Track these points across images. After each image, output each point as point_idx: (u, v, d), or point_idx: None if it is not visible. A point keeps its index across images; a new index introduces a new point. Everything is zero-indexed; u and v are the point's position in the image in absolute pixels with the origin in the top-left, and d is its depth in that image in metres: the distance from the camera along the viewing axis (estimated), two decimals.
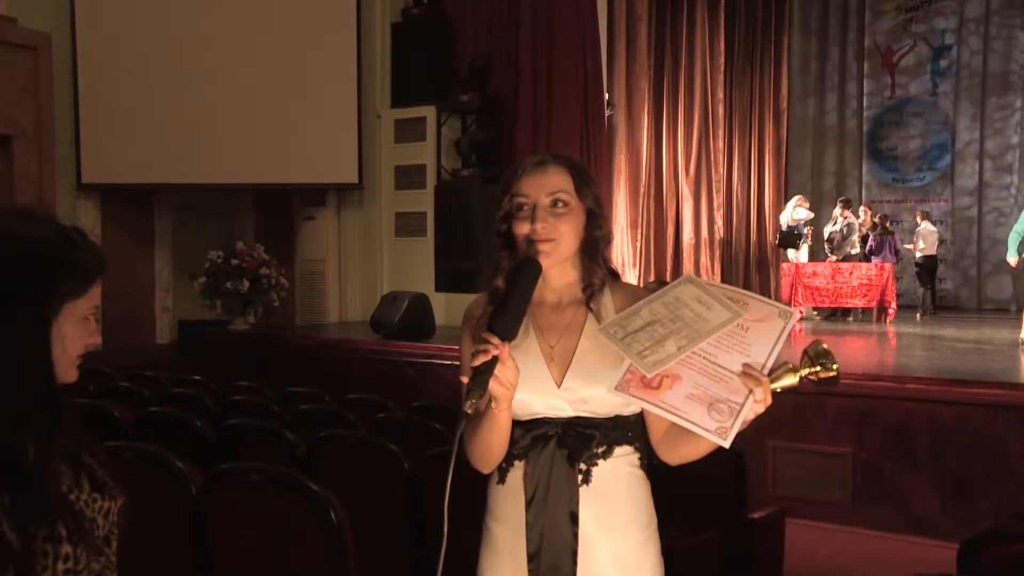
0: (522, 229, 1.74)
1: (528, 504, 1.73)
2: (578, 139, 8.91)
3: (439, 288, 8.67)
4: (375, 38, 9.43)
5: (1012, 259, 8.33)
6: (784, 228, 11.34)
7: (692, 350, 1.57)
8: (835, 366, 1.59)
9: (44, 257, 1.28)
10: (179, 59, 8.62)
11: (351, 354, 7.59)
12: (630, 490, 1.77)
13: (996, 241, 12.91)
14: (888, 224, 11.65)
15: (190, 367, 7.22)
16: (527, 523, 1.73)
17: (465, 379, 1.58)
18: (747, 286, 12.97)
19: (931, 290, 11.78)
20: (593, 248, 1.81)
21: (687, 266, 12.07)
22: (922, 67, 13.76)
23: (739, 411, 1.54)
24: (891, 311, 10.43)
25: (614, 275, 1.86)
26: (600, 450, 1.74)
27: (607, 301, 1.81)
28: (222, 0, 8.78)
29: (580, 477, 1.72)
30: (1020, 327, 7.96)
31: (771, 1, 13.59)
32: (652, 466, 1.81)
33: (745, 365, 1.56)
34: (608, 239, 1.84)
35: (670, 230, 11.99)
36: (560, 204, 1.75)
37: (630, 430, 1.77)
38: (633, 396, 1.58)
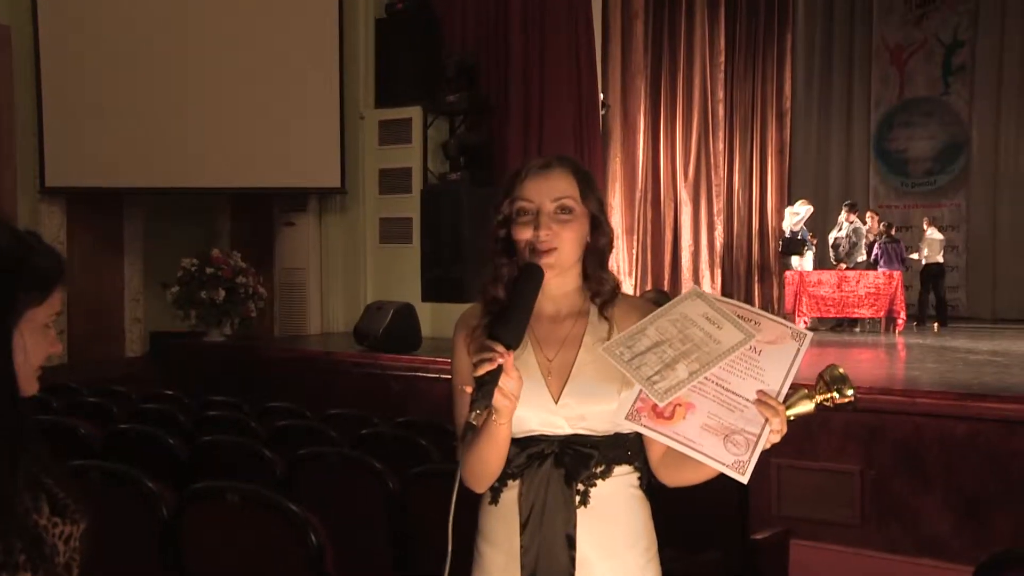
0: (524, 235, 1.74)
1: (523, 526, 1.72)
2: (571, 141, 8.93)
3: (425, 297, 8.66)
4: (358, 35, 9.43)
5: None
6: (787, 234, 11.37)
7: (704, 376, 1.56)
8: (851, 392, 1.59)
9: (1, 265, 1.27)
10: (151, 55, 8.60)
11: (333, 367, 7.57)
12: (630, 512, 1.76)
13: (1012, 248, 12.97)
14: (893, 231, 11.70)
15: (162, 381, 7.18)
16: (521, 547, 1.72)
17: (469, 389, 1.57)
18: (748, 295, 13.02)
19: (938, 298, 11.73)
20: (600, 256, 1.81)
21: (686, 275, 12.09)
22: (933, 66, 13.83)
23: (756, 443, 1.54)
24: (900, 321, 10.46)
25: (618, 284, 1.86)
26: (599, 469, 1.73)
27: (615, 313, 1.80)
28: None
29: (578, 498, 1.72)
30: None
31: None
32: (651, 485, 1.80)
33: (760, 393, 1.56)
34: (612, 246, 1.84)
35: (668, 237, 12.01)
36: (565, 210, 1.75)
37: (629, 448, 1.76)
38: (646, 427, 1.58)
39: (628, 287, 10.97)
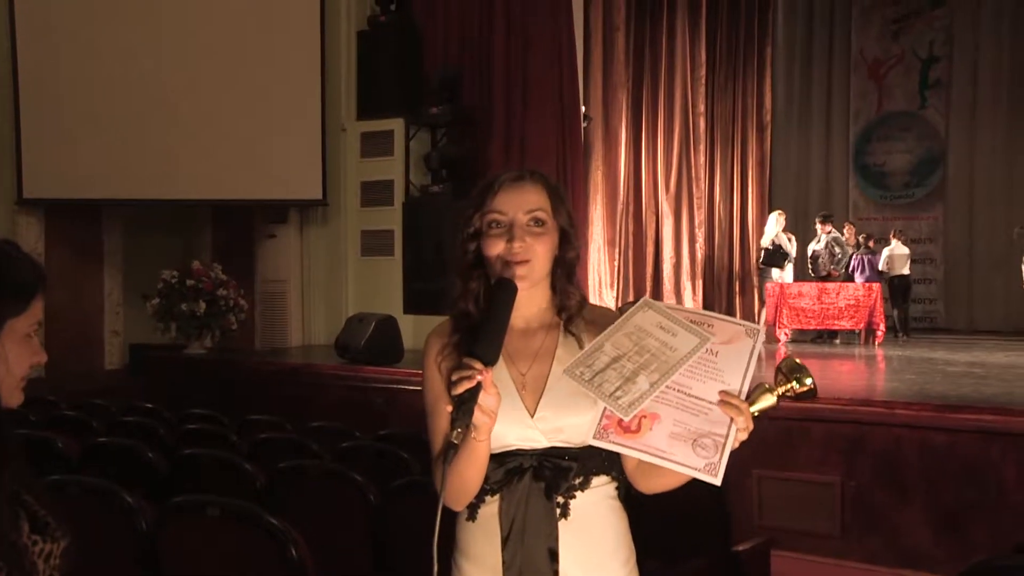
0: (496, 248, 1.74)
1: (504, 542, 1.71)
2: (553, 153, 8.96)
3: (407, 310, 8.64)
4: (340, 47, 9.43)
5: None
6: (770, 246, 11.42)
7: (666, 384, 1.57)
8: (810, 380, 1.63)
9: None
10: (131, 66, 8.56)
11: (314, 380, 7.54)
12: (609, 522, 1.77)
13: (989, 260, 13.10)
14: (871, 243, 11.81)
15: (141, 394, 7.12)
16: (503, 562, 1.71)
17: (449, 408, 1.56)
18: (730, 306, 13.08)
19: (903, 311, 11.90)
20: (568, 270, 1.82)
21: (667, 286, 12.13)
22: (910, 80, 13.99)
23: (724, 444, 1.55)
24: (879, 333, 10.53)
25: (584, 297, 1.86)
26: (577, 481, 1.73)
27: (582, 325, 1.81)
28: (178, 4, 8.74)
29: (558, 511, 1.72)
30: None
31: (754, 11, 13.77)
32: (630, 495, 1.81)
33: (722, 393, 1.58)
34: (580, 260, 1.85)
35: (649, 249, 12.05)
36: (538, 223, 1.75)
37: (607, 458, 1.76)
38: (614, 444, 1.59)
39: (609, 298, 10.99)
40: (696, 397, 1.59)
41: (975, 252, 13.40)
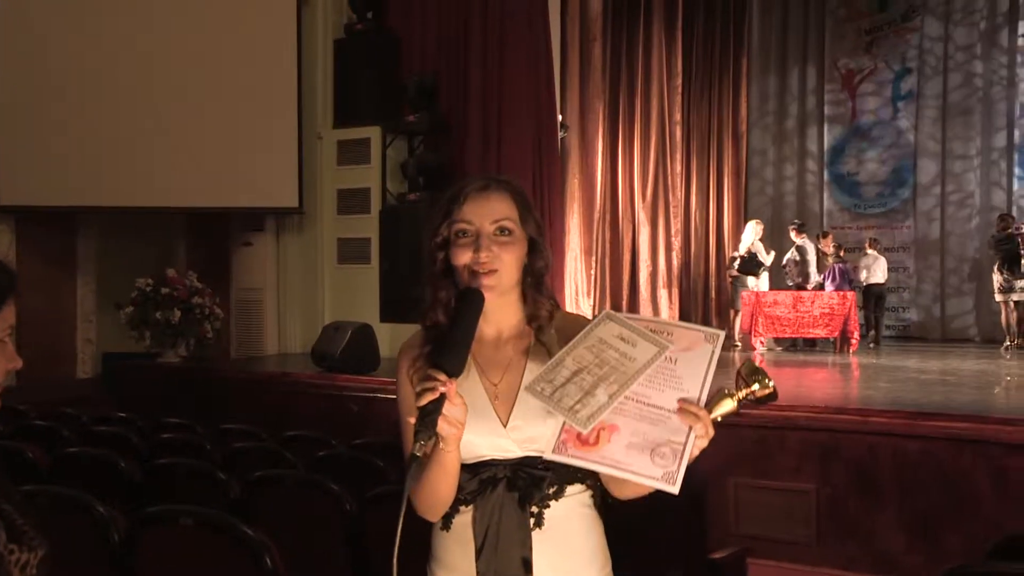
0: (463, 258, 1.73)
1: (478, 552, 1.71)
2: (530, 162, 8.98)
3: (384, 318, 8.62)
4: (316, 55, 9.42)
5: None
6: (746, 254, 11.48)
7: (624, 395, 1.57)
8: (770, 382, 1.62)
9: None
10: (106, 72, 8.50)
11: (290, 388, 7.50)
12: (584, 531, 1.77)
13: (959, 269, 13.26)
14: (842, 252, 11.93)
15: (115, 404, 7.06)
16: (478, 572, 1.71)
17: (412, 420, 1.55)
18: (706, 314, 13.15)
19: (876, 319, 12.06)
20: (537, 279, 1.81)
21: (643, 295, 12.18)
22: (883, 90, 14.15)
23: (682, 451, 1.55)
24: (854, 341, 10.62)
25: (555, 305, 1.86)
26: (551, 490, 1.73)
27: (553, 333, 1.80)
28: (153, 10, 8.69)
29: (532, 521, 1.71)
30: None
31: (729, 21, 13.89)
32: (605, 504, 1.81)
33: (681, 401, 1.58)
34: (549, 269, 1.84)
35: (626, 257, 12.10)
36: (505, 232, 1.74)
37: (581, 467, 1.76)
38: (572, 457, 1.59)
39: (586, 307, 11.02)
40: (655, 406, 1.59)
41: (946, 261, 13.55)
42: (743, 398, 1.63)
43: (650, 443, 1.56)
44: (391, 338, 8.18)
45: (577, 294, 11.00)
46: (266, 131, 8.92)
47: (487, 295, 1.70)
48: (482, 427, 1.71)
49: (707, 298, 13.34)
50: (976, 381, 7.69)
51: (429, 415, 1.53)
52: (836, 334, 10.66)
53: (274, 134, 8.95)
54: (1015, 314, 10.87)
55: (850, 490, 5.22)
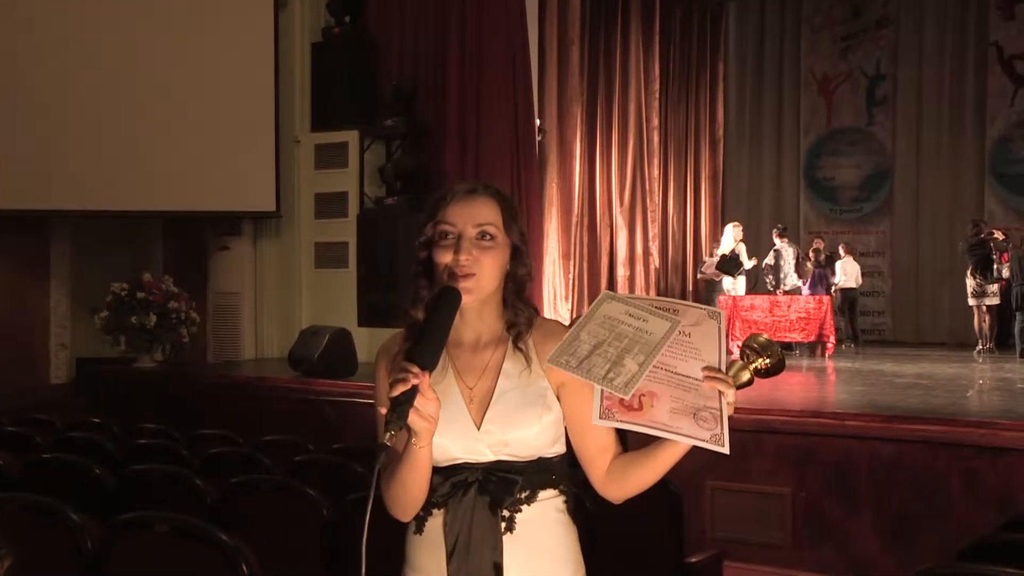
0: (444, 258, 1.74)
1: (449, 556, 1.72)
2: (508, 166, 8.99)
3: (362, 322, 8.59)
4: (294, 58, 9.38)
5: None
6: (728, 253, 11.53)
7: (652, 364, 1.60)
8: (780, 352, 1.68)
9: None
10: (80, 73, 8.42)
11: (267, 393, 7.46)
12: (556, 536, 1.77)
13: (934, 274, 13.40)
14: (822, 258, 12.05)
15: (89, 409, 6.99)
16: (449, 575, 1.71)
17: (384, 410, 1.56)
18: None
19: (853, 323, 12.23)
20: (519, 286, 1.82)
21: None
22: (858, 97, 14.30)
23: (721, 415, 1.59)
24: (830, 345, 10.70)
25: (535, 312, 1.87)
26: (523, 495, 1.74)
27: (531, 341, 1.81)
28: (129, 12, 8.62)
29: (503, 525, 1.72)
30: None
31: (706, 27, 13.99)
32: (582, 508, 1.82)
33: (706, 369, 1.61)
34: (531, 277, 1.85)
35: (604, 261, 12.13)
36: (487, 237, 1.76)
37: (553, 472, 1.77)
38: (621, 422, 1.60)
39: (564, 312, 11.03)
40: (683, 375, 1.62)
41: (921, 265, 13.70)
42: (756, 369, 1.67)
43: (690, 408, 1.59)
44: (369, 342, 8.16)
45: (555, 298, 11.01)
46: (243, 134, 8.87)
47: (466, 298, 1.71)
48: (456, 430, 1.71)
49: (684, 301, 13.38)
50: (950, 384, 7.77)
51: (401, 406, 1.54)
52: (812, 338, 10.75)
53: (251, 137, 8.90)
54: (988, 318, 11.00)
55: (826, 493, 5.26)
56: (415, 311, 1.78)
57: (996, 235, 11.14)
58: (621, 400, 1.58)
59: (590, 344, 1.63)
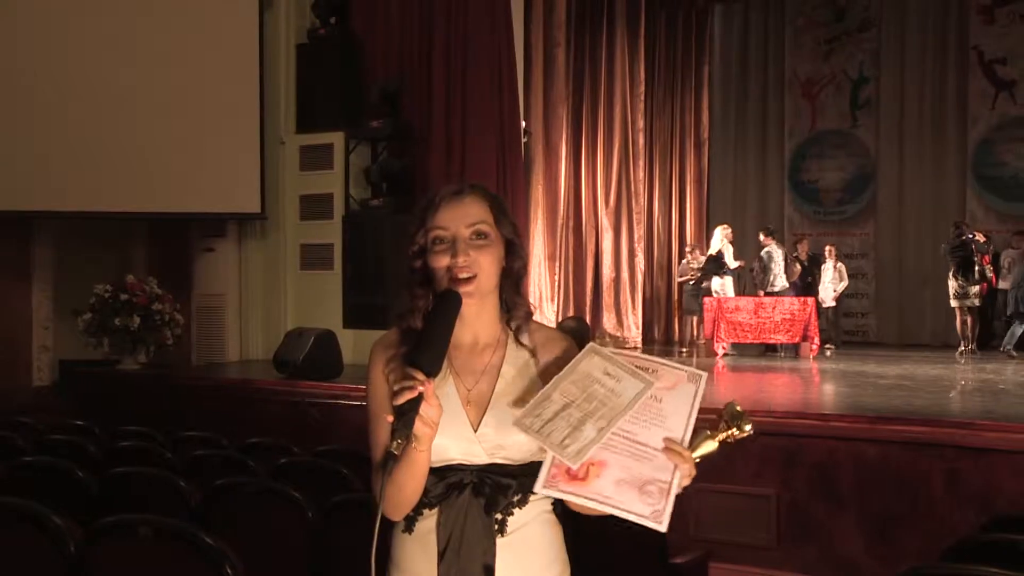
0: (441, 262, 1.74)
1: (441, 556, 1.72)
2: (494, 168, 8.98)
3: (347, 324, 8.58)
4: (279, 59, 9.35)
5: None
6: (715, 254, 11.59)
7: (612, 431, 1.59)
8: (749, 427, 1.65)
9: None
10: (64, 74, 8.37)
11: (252, 395, 7.43)
12: (545, 538, 1.78)
13: (917, 276, 13.48)
14: (805, 259, 12.16)
15: (72, 412, 6.94)
16: None
17: (390, 418, 1.56)
18: (668, 321, 13.25)
19: (835, 324, 12.38)
20: (516, 280, 1.83)
21: (607, 300, 12.23)
22: (842, 100, 14.38)
23: (669, 490, 1.58)
24: (814, 347, 10.75)
25: (530, 307, 1.88)
26: (516, 498, 1.75)
27: (534, 340, 1.82)
28: (113, 11, 8.57)
29: (496, 527, 1.72)
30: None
31: (691, 30, 14.03)
32: (566, 511, 1.82)
33: (666, 440, 1.61)
34: (527, 269, 1.86)
35: (590, 263, 12.14)
36: (481, 236, 1.76)
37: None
38: (564, 492, 1.61)
39: (550, 312, 11.04)
40: (641, 443, 1.61)
41: (904, 267, 13.78)
42: (723, 440, 1.66)
43: (638, 480, 1.59)
44: (354, 344, 8.14)
45: (541, 300, 11.02)
46: (228, 135, 8.83)
47: (466, 301, 1.72)
48: (453, 431, 1.72)
49: (669, 304, 13.45)
50: (932, 385, 7.82)
51: (407, 414, 1.54)
52: (797, 339, 10.79)
53: (236, 139, 8.87)
54: (969, 319, 11.07)
55: (810, 494, 5.28)
56: (412, 319, 1.78)
57: (977, 237, 11.23)
58: (568, 469, 1.59)
59: (559, 404, 1.63)
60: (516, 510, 1.74)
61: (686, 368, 1.70)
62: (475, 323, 1.80)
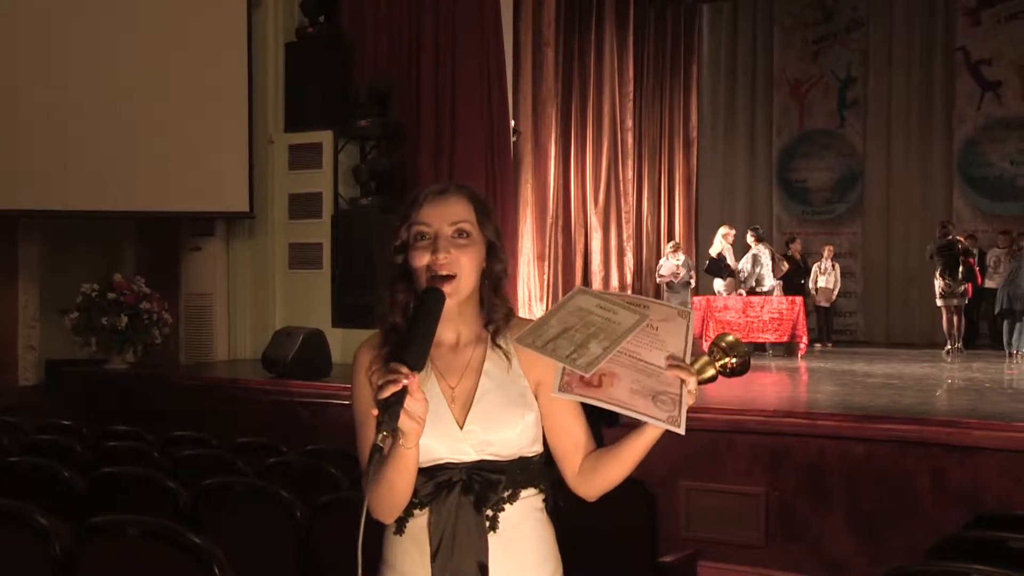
0: (422, 260, 1.74)
1: (433, 556, 1.71)
2: (483, 167, 8.98)
3: (336, 323, 8.56)
4: (267, 58, 9.32)
5: None
6: (716, 256, 11.63)
7: (617, 350, 1.63)
8: (746, 354, 1.72)
9: None
10: (50, 72, 8.31)
11: (241, 394, 7.41)
12: (537, 535, 1.78)
13: (904, 275, 13.55)
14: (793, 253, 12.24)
15: (59, 412, 6.90)
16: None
17: (375, 412, 1.56)
18: None
19: (826, 323, 12.47)
20: (495, 282, 1.83)
21: None
22: (830, 99, 14.44)
23: (680, 400, 1.62)
24: (802, 346, 10.78)
25: (511, 310, 1.88)
26: (506, 494, 1.75)
27: (509, 338, 1.82)
28: (100, 10, 8.53)
29: (487, 524, 1.72)
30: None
31: (680, 29, 14.06)
32: (557, 508, 1.82)
33: (671, 357, 1.65)
34: (507, 273, 1.86)
35: (579, 262, 12.16)
36: (463, 235, 1.77)
37: (534, 471, 1.79)
38: (578, 395, 1.63)
39: (539, 311, 11.04)
40: (646, 362, 1.65)
41: (892, 266, 13.85)
42: (722, 367, 1.70)
43: (649, 390, 1.62)
44: (343, 343, 8.13)
45: (530, 299, 11.02)
46: (216, 134, 8.79)
47: (448, 300, 1.72)
48: (439, 430, 1.72)
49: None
50: (919, 384, 7.86)
51: (391, 407, 1.54)
52: (785, 338, 10.83)
53: (224, 137, 8.83)
54: (956, 319, 11.12)
55: (799, 493, 5.30)
56: (393, 316, 1.78)
57: (959, 239, 11.31)
58: (581, 377, 1.61)
59: (558, 328, 1.66)
60: (507, 506, 1.74)
61: (674, 305, 1.77)
62: (456, 321, 1.81)
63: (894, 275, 13.78)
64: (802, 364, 10.14)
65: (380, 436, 1.53)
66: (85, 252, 9.13)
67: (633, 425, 1.68)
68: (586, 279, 12.23)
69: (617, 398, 1.60)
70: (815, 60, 14.45)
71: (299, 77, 9.29)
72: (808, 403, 7.10)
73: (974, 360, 10.29)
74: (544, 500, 1.80)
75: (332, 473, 3.42)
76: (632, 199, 13.06)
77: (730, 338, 1.72)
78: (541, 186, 11.45)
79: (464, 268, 1.75)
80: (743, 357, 1.70)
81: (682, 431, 1.59)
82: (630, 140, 12.93)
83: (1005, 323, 10.63)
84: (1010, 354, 10.36)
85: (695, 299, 11.32)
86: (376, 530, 1.77)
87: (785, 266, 11.87)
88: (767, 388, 8.09)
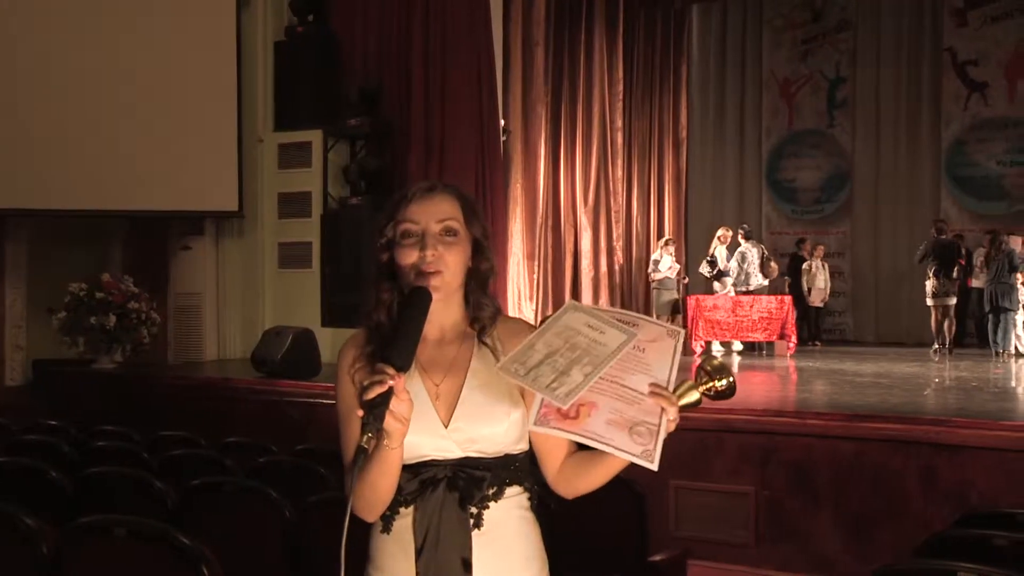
0: (409, 258, 1.74)
1: (418, 553, 1.71)
2: (473, 166, 8.98)
3: (326, 323, 8.55)
4: (257, 57, 9.30)
5: None
6: (709, 258, 11.67)
7: (599, 376, 1.61)
8: (731, 378, 1.70)
9: None
10: (39, 70, 8.27)
11: (230, 394, 7.39)
12: (522, 533, 1.78)
13: (893, 274, 13.61)
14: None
15: (46, 412, 6.87)
16: (417, 573, 1.71)
17: (360, 413, 1.55)
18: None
19: (815, 321, 12.55)
20: (482, 281, 1.83)
21: (586, 299, 12.24)
22: (819, 99, 14.49)
23: (658, 432, 1.61)
24: (791, 345, 10.81)
25: (498, 308, 1.88)
26: (491, 491, 1.74)
27: (497, 335, 1.82)
28: (89, 9, 8.49)
29: (472, 521, 1.72)
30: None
31: (670, 29, 14.07)
32: (545, 506, 1.82)
33: (653, 385, 1.63)
34: (494, 272, 1.86)
35: (568, 262, 12.15)
36: (450, 232, 1.77)
37: (519, 469, 1.79)
38: (555, 429, 1.62)
39: (529, 311, 11.04)
40: (628, 388, 1.64)
41: (880, 266, 13.90)
42: (705, 391, 1.69)
43: (627, 421, 1.61)
44: (332, 343, 8.11)
45: (520, 298, 11.02)
46: (205, 133, 8.77)
47: (433, 295, 1.71)
48: (424, 427, 1.71)
49: (648, 303, 13.47)
50: (908, 383, 7.89)
51: (377, 408, 1.53)
52: (775, 337, 10.86)
53: (213, 136, 8.81)
54: (946, 319, 11.16)
55: (788, 492, 5.31)
56: (378, 314, 1.77)
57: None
58: (559, 409, 1.60)
59: (543, 353, 1.64)
60: (491, 503, 1.74)
61: (665, 324, 1.75)
62: (441, 318, 1.80)
63: (883, 274, 13.84)
64: (791, 363, 10.17)
65: (365, 438, 1.53)
66: (73, 251, 9.09)
67: None
68: (575, 278, 12.23)
69: (593, 431, 1.60)
70: (804, 60, 14.50)
71: (288, 76, 9.27)
72: (797, 402, 7.11)
73: (961, 359, 10.33)
74: (530, 499, 1.80)
75: (321, 473, 3.42)
76: (622, 199, 13.07)
77: (716, 362, 1.72)
78: (531, 185, 11.44)
79: (450, 266, 1.75)
80: (728, 382, 1.69)
81: (654, 467, 1.58)
82: (620, 140, 12.93)
83: (990, 321, 10.68)
84: (996, 353, 10.41)
85: (688, 298, 11.33)
86: (362, 530, 1.77)
87: (774, 267, 11.89)
88: (756, 387, 8.11)
